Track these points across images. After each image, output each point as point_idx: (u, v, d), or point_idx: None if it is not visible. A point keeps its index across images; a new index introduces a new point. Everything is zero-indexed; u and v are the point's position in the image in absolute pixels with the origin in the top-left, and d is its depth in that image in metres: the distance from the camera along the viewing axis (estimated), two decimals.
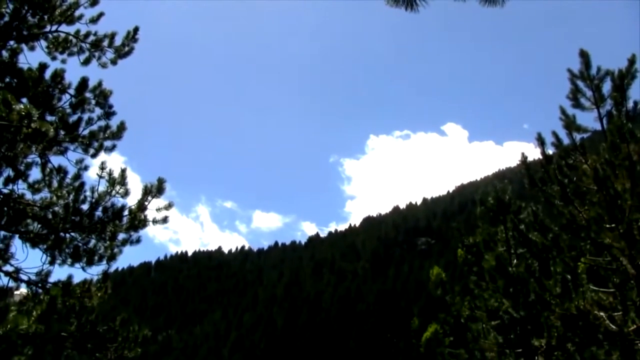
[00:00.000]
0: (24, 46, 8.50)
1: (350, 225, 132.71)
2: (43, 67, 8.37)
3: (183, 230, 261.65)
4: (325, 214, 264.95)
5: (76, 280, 8.35)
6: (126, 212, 8.04)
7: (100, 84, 8.92)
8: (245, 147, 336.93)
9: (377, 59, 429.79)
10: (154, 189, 7.88)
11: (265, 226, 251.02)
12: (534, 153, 9.29)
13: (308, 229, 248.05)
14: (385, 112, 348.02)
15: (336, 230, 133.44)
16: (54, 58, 9.00)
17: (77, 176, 8.48)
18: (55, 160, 8.69)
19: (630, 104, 8.37)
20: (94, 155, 8.75)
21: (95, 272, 8.34)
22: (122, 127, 8.91)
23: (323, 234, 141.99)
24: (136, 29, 9.28)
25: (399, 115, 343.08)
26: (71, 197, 8.05)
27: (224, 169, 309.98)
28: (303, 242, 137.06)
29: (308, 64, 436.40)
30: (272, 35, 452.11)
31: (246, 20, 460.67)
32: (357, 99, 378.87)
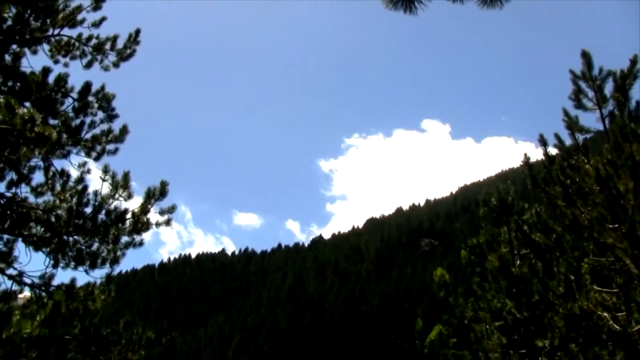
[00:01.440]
0: (26, 50, 8.52)
1: (353, 227, 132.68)
2: (46, 71, 8.39)
3: (164, 232, 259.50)
4: (306, 215, 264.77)
5: (80, 283, 8.39)
6: (129, 215, 8.06)
7: (103, 87, 8.95)
8: (218, 148, 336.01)
9: (349, 58, 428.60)
10: (157, 192, 7.89)
11: (246, 225, 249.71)
12: (535, 153, 9.28)
13: (292, 230, 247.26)
14: (358, 112, 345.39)
15: (339, 232, 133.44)
16: (56, 61, 9.04)
17: (80, 179, 8.49)
18: (58, 163, 8.73)
19: (633, 104, 8.36)
20: (96, 159, 8.78)
21: (98, 275, 8.37)
22: (124, 130, 8.93)
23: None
24: (137, 31, 9.31)
25: (372, 114, 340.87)
26: (74, 200, 8.05)
27: (197, 170, 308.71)
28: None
29: (282, 63, 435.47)
30: (245, 33, 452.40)
31: (221, 17, 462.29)
32: (330, 98, 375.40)
